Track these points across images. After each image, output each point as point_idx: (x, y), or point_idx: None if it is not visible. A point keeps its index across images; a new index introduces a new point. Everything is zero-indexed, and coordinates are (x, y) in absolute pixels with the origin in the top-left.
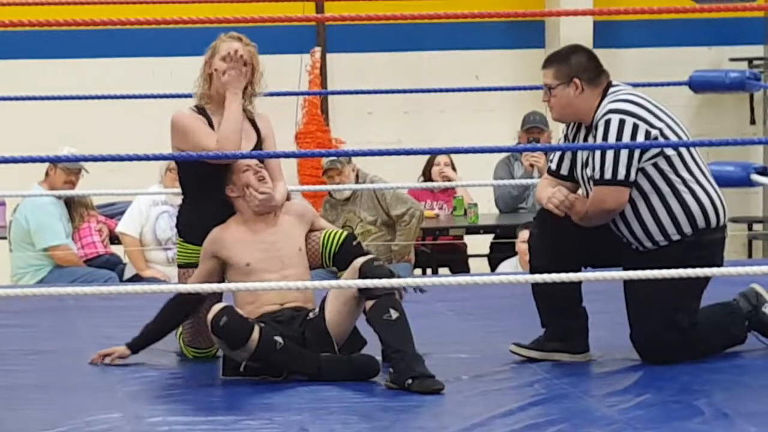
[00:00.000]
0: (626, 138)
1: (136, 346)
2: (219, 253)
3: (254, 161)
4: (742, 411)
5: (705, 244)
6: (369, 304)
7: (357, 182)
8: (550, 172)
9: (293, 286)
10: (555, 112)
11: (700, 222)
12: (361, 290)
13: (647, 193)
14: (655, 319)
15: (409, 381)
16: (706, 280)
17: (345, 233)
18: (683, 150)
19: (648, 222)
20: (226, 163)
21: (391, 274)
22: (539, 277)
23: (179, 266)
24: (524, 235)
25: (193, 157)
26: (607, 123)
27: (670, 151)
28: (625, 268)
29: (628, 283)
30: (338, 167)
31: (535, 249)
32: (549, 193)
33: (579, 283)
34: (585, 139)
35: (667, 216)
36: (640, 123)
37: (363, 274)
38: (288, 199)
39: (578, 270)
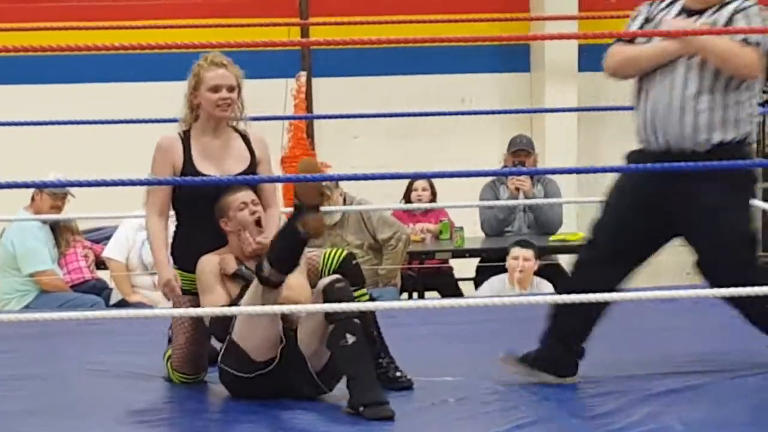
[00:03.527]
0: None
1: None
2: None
3: (250, 197)
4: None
5: (747, 154)
6: (330, 328)
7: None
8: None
9: (287, 310)
10: None
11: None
12: (325, 314)
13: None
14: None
15: (361, 408)
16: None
17: (345, 252)
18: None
19: (716, 116)
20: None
21: (352, 298)
22: (541, 299)
23: None
24: (515, 252)
25: (177, 182)
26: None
27: None
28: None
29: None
30: (327, 193)
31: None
32: None
33: (596, 321)
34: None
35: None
36: None
37: (326, 295)
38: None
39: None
